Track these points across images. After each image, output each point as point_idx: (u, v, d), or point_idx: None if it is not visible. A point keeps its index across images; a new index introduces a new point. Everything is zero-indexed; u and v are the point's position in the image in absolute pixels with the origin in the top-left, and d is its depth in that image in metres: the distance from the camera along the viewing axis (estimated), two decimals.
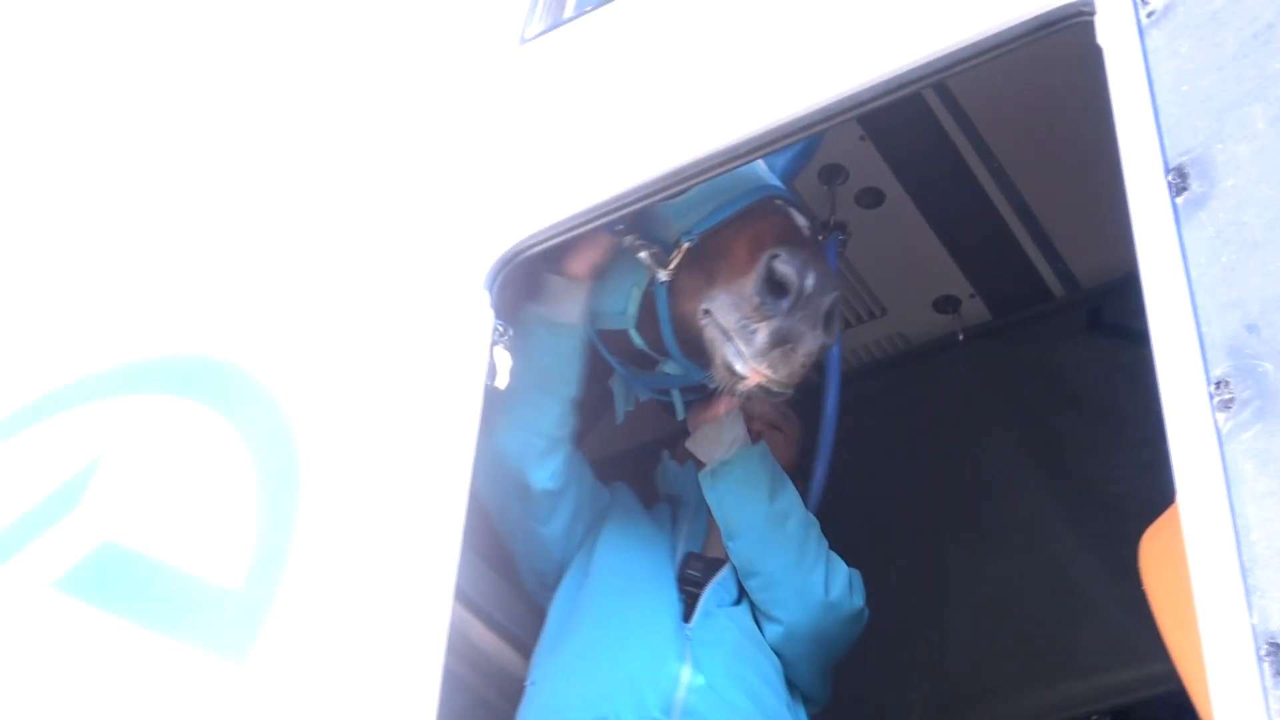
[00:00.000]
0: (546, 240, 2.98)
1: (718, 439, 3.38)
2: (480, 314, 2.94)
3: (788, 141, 2.84)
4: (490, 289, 2.95)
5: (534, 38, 3.28)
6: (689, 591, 3.30)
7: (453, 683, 2.58)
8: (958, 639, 3.94)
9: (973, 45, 2.61)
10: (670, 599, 3.27)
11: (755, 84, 2.84)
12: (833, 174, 3.96)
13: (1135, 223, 2.15)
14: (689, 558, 3.38)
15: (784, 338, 3.01)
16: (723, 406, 3.38)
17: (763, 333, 3.02)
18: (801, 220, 3.28)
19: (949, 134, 3.89)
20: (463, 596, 3.11)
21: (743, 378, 3.07)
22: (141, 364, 3.24)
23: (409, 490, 2.78)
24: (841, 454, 3.54)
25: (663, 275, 3.18)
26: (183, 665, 2.76)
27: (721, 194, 3.18)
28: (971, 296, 4.30)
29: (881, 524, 3.82)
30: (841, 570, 3.33)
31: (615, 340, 3.39)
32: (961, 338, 4.29)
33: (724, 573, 3.34)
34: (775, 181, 3.32)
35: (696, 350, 3.21)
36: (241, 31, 3.83)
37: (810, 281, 3.01)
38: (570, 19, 3.26)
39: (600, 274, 3.30)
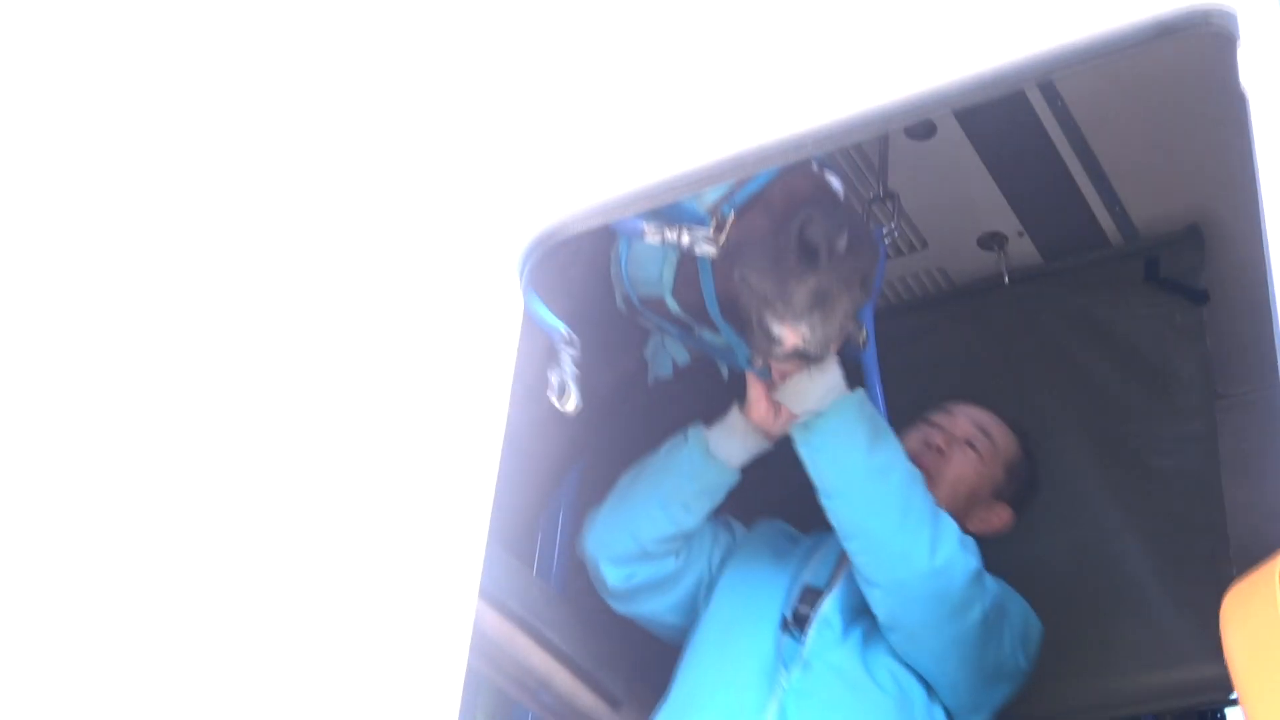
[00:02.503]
0: (581, 224, 2.74)
1: (809, 388, 3.13)
2: (510, 300, 2.71)
3: (856, 138, 2.62)
4: (522, 274, 2.72)
5: None
6: (795, 633, 3.13)
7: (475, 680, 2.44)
8: None
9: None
10: (764, 648, 3.12)
11: (825, 72, 2.56)
12: None
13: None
14: (805, 592, 3.20)
15: (822, 298, 2.89)
16: (776, 376, 3.19)
17: (800, 293, 2.89)
18: (836, 182, 3.10)
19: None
20: (487, 594, 2.92)
21: (780, 341, 2.94)
22: None
23: (434, 485, 2.57)
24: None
25: (709, 250, 2.97)
26: None
27: None
28: (1020, 235, 4.02)
29: None
30: (950, 530, 3.09)
31: (655, 305, 3.17)
32: (1007, 280, 4.02)
33: (825, 606, 3.15)
34: None
35: (740, 320, 3.04)
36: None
37: (842, 242, 2.89)
38: None
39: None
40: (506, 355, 2.67)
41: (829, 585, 3.19)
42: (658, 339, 3.32)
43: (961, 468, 3.41)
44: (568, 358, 2.79)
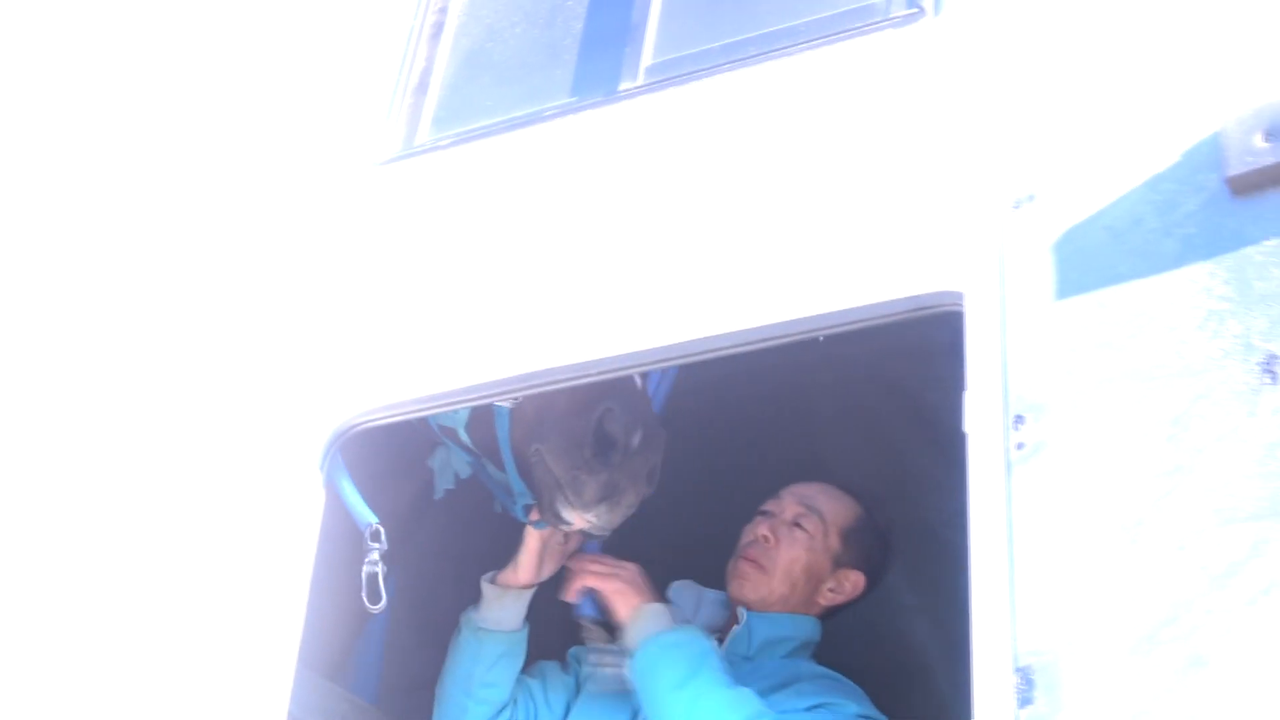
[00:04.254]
0: (388, 417, 2.88)
1: (635, 629, 3.27)
2: (312, 483, 2.88)
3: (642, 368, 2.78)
4: (324, 464, 2.88)
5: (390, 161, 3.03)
6: None
7: None
8: None
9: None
10: None
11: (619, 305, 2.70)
12: None
13: None
14: None
15: (611, 491, 3.12)
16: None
17: (591, 486, 3.10)
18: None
19: None
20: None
21: (568, 524, 3.19)
22: None
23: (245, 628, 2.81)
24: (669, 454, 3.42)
25: (504, 404, 3.14)
26: None
27: None
28: None
29: (708, 544, 3.71)
30: None
31: (448, 432, 3.34)
32: (821, 338, 4.11)
33: None
34: None
35: (528, 476, 3.23)
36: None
37: (637, 439, 3.11)
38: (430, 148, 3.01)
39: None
40: (312, 525, 2.89)
41: None
42: (444, 451, 3.46)
43: (790, 550, 3.48)
44: (376, 555, 2.92)
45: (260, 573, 2.82)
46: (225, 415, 2.95)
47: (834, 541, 3.53)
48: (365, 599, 2.93)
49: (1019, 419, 2.18)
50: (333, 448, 2.87)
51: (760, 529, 3.53)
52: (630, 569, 3.34)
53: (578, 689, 3.53)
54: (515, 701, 3.45)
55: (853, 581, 3.55)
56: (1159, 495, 2.05)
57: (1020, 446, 2.17)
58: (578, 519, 3.14)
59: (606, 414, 3.06)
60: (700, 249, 2.65)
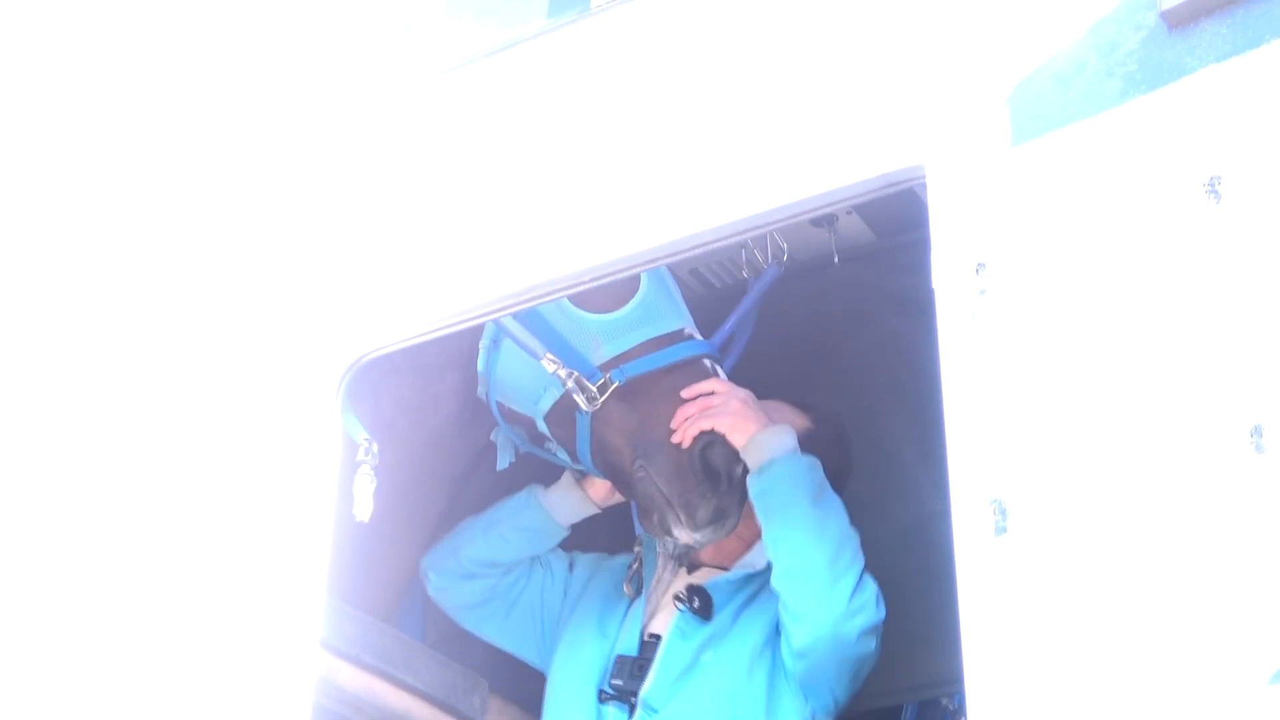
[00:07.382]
0: (402, 343, 2.96)
1: (767, 442, 3.39)
2: (331, 408, 2.95)
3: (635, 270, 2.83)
4: (340, 389, 2.95)
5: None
6: (619, 705, 3.44)
7: None
8: None
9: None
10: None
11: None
12: None
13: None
14: (618, 664, 3.49)
15: (721, 514, 3.36)
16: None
17: (704, 510, 3.36)
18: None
19: None
20: (340, 650, 3.20)
21: (676, 540, 3.41)
22: None
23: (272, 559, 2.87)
24: None
25: (587, 407, 3.36)
26: None
27: (652, 329, 3.39)
28: (849, 213, 4.18)
29: None
30: (871, 585, 3.39)
31: (516, 416, 3.52)
32: (837, 259, 4.19)
33: (648, 691, 3.43)
34: (699, 336, 3.52)
35: (616, 476, 3.46)
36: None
37: (739, 470, 3.36)
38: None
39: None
40: (332, 451, 2.95)
41: (647, 670, 3.47)
42: (501, 433, 3.66)
43: None
44: (367, 468, 3.11)
45: (283, 501, 2.89)
46: (237, 342, 3.05)
47: None
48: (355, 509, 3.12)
49: (981, 265, 2.25)
50: (347, 375, 2.94)
51: None
52: (733, 396, 3.41)
53: (563, 599, 3.74)
54: (507, 572, 3.68)
55: None
56: (1116, 324, 2.12)
57: (983, 292, 2.24)
58: (686, 536, 3.37)
59: (709, 446, 3.32)
60: (670, 151, 2.71)
